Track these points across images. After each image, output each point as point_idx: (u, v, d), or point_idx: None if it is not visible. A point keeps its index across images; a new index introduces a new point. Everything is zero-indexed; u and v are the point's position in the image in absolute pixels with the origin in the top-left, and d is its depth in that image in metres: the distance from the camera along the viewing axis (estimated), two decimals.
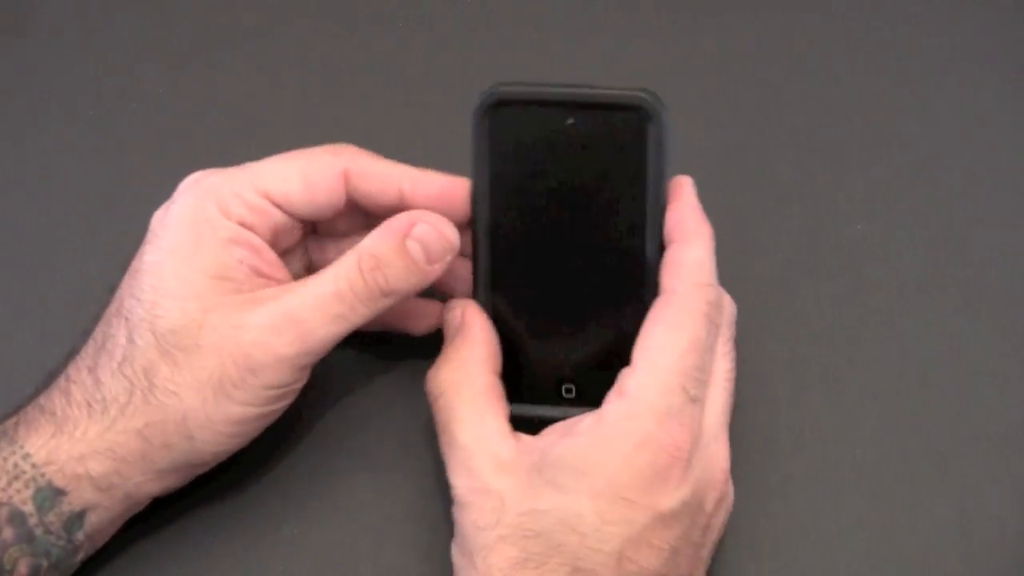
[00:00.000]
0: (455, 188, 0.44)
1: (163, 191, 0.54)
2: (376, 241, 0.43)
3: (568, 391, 0.45)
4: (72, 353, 0.44)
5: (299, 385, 0.43)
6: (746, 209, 0.53)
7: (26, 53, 0.58)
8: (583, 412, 0.43)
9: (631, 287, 0.44)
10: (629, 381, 0.41)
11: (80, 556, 0.43)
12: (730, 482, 0.44)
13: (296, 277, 0.45)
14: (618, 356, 0.43)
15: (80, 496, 0.42)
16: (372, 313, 0.43)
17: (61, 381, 0.43)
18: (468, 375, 0.43)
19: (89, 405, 0.42)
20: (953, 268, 0.52)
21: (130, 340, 0.42)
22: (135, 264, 0.43)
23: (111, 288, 0.44)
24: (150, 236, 0.44)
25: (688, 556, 0.41)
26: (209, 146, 0.56)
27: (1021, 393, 0.49)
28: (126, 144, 0.56)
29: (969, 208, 0.54)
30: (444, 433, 0.43)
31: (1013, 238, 0.53)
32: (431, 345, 0.50)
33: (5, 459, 0.41)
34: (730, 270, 0.50)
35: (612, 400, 0.41)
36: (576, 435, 0.41)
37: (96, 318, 0.44)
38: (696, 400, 0.41)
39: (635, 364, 0.42)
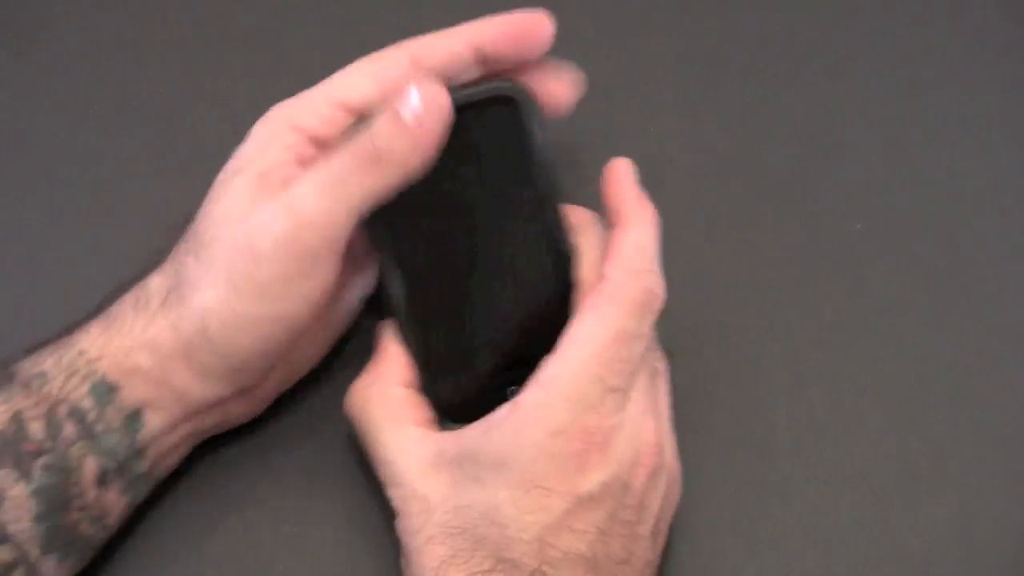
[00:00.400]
0: (519, 21, 0.44)
1: (163, 191, 0.54)
2: (369, 121, 0.42)
3: (513, 392, 0.44)
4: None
5: (312, 283, 0.42)
6: (746, 209, 0.53)
7: (26, 54, 0.58)
8: None
9: (546, 277, 0.45)
10: (547, 370, 0.41)
11: (145, 464, 0.43)
12: (667, 456, 0.43)
13: None
14: (550, 343, 0.42)
15: (133, 392, 0.42)
16: (366, 189, 0.42)
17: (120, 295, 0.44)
18: (378, 390, 0.44)
19: (136, 303, 0.43)
20: (953, 268, 0.52)
21: (178, 244, 0.44)
22: None
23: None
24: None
25: (622, 536, 0.41)
26: (209, 146, 0.55)
27: (1021, 393, 0.49)
28: (126, 144, 0.55)
29: (969, 208, 0.54)
30: (368, 451, 0.44)
31: (1013, 238, 0.53)
32: None
33: (61, 358, 0.42)
34: (730, 270, 0.51)
35: (530, 389, 0.41)
36: (493, 426, 0.41)
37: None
38: (617, 389, 0.41)
39: (556, 353, 0.41)
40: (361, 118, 0.44)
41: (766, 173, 0.54)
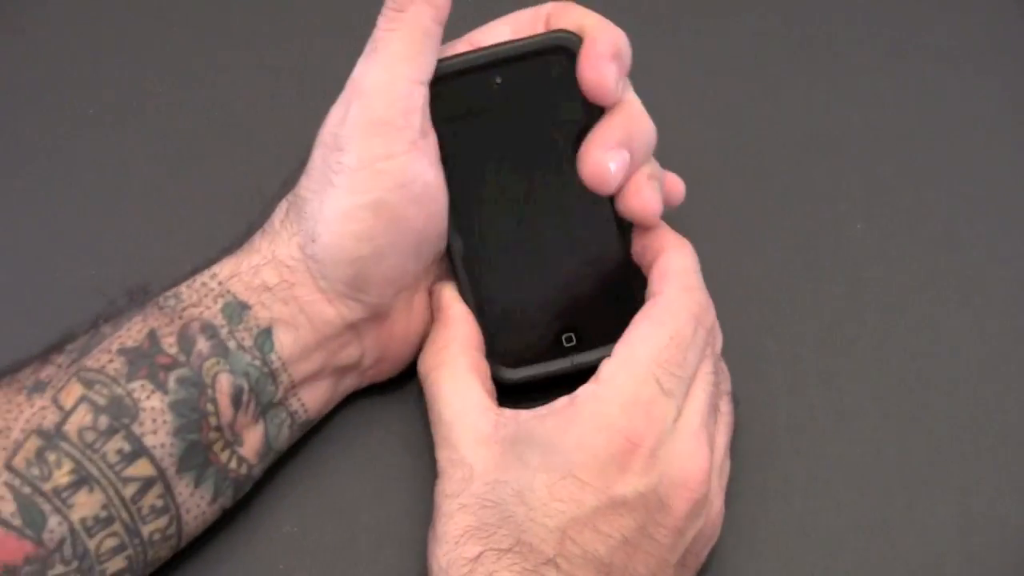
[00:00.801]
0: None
1: (163, 191, 0.54)
2: None
3: (568, 340, 0.46)
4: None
5: (397, 162, 0.43)
6: (746, 209, 0.53)
7: (26, 53, 0.58)
8: (589, 357, 0.45)
9: (602, 222, 0.45)
10: (605, 368, 0.42)
11: (279, 391, 0.43)
12: (712, 491, 0.43)
13: None
14: (605, 292, 0.45)
15: (263, 309, 0.43)
16: (410, 41, 0.43)
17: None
18: (450, 355, 0.45)
19: (263, 230, 0.45)
20: (953, 268, 0.52)
21: (304, 164, 0.45)
22: None
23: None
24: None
25: (647, 554, 0.41)
26: (209, 146, 0.55)
27: (1021, 393, 0.49)
28: (126, 144, 0.55)
29: (969, 208, 0.54)
30: (431, 411, 0.45)
31: (1013, 238, 0.53)
32: None
33: (194, 281, 0.44)
34: (730, 270, 0.51)
35: (588, 384, 0.42)
36: (548, 413, 0.42)
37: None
38: (670, 394, 0.42)
39: (615, 353, 0.42)
40: None
41: (766, 173, 0.54)
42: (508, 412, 0.43)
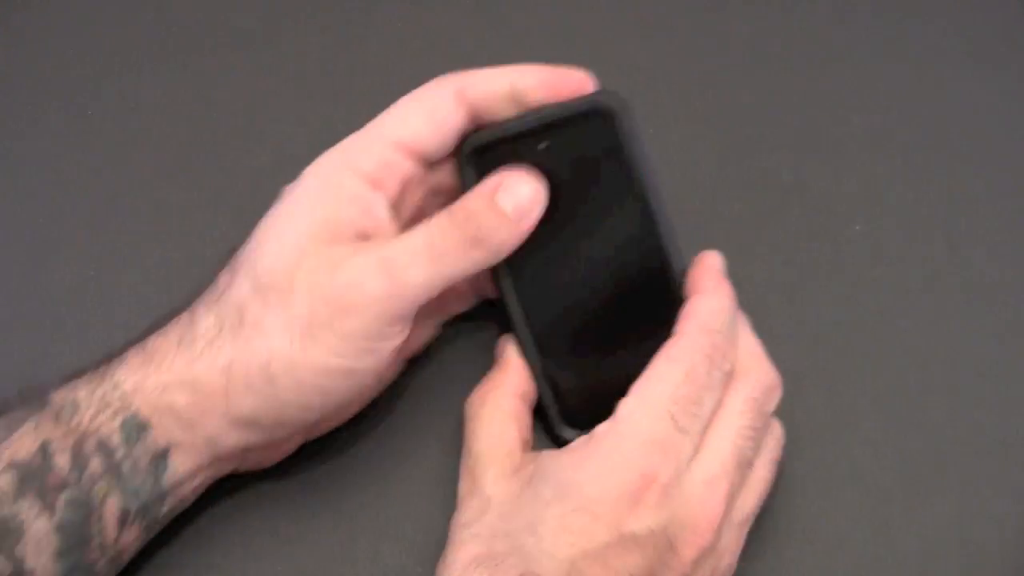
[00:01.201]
0: (559, 76, 0.44)
1: (163, 191, 0.54)
2: (467, 198, 0.43)
3: None
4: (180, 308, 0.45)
5: (387, 345, 0.43)
6: (746, 209, 0.53)
7: (26, 53, 0.58)
8: None
9: (658, 286, 0.45)
10: (622, 407, 0.42)
11: (166, 508, 0.43)
12: (722, 544, 0.42)
13: None
14: (663, 345, 0.44)
15: (164, 431, 0.41)
16: (463, 266, 0.43)
17: (164, 325, 0.44)
18: (494, 397, 0.45)
19: (180, 340, 0.42)
20: (953, 268, 0.52)
21: (229, 284, 0.43)
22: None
23: (231, 248, 0.45)
24: (277, 199, 0.44)
25: None
26: (209, 147, 0.56)
27: (1021, 393, 0.49)
28: (126, 144, 0.55)
29: (969, 208, 0.54)
30: (465, 444, 0.45)
31: (1013, 238, 0.53)
32: (431, 345, 0.50)
33: (95, 389, 0.42)
34: (730, 270, 0.50)
35: (605, 422, 0.42)
36: (566, 451, 0.42)
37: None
38: (685, 432, 0.41)
39: (632, 391, 0.42)
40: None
41: (766, 174, 0.54)
42: (531, 454, 0.44)
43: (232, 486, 0.47)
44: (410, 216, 0.46)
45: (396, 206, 0.44)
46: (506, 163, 0.44)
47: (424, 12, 0.59)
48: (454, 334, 0.50)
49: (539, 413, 0.47)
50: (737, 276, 0.51)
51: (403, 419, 0.49)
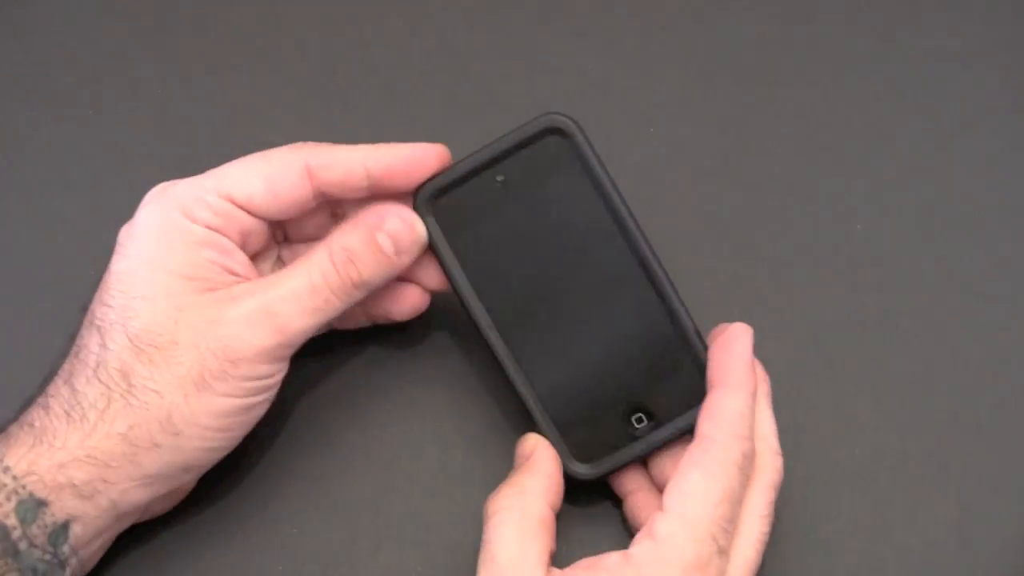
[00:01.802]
0: (416, 155, 0.44)
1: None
2: (347, 235, 0.43)
3: (639, 420, 0.45)
4: (51, 373, 0.43)
5: (279, 376, 0.43)
6: (746, 209, 0.53)
7: (26, 53, 0.58)
8: (664, 434, 0.44)
9: (641, 291, 0.45)
10: (661, 525, 0.41)
11: (68, 571, 0.42)
12: None
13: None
14: (664, 362, 0.44)
15: (63, 506, 0.41)
16: (345, 305, 0.43)
17: (40, 397, 0.42)
18: (524, 502, 0.43)
19: (68, 414, 0.41)
20: (953, 268, 0.52)
21: (102, 346, 0.42)
22: (104, 277, 0.43)
23: (83, 307, 0.44)
24: (117, 248, 0.43)
25: None
26: (209, 146, 0.55)
27: (1021, 393, 0.49)
28: (126, 144, 0.55)
29: (969, 208, 0.54)
30: (485, 549, 0.42)
31: (1013, 238, 0.53)
32: (430, 345, 0.50)
33: None
34: (730, 270, 0.51)
35: (642, 541, 0.41)
36: (601, 571, 0.41)
37: (72, 337, 0.44)
38: (723, 552, 0.41)
39: (668, 508, 0.41)
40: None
41: (766, 173, 0.54)
42: (557, 572, 0.42)
43: (232, 486, 0.47)
44: (255, 253, 0.45)
45: (242, 248, 0.44)
46: (466, 203, 0.44)
47: (424, 12, 0.59)
48: (455, 334, 0.50)
49: None
50: (737, 276, 0.52)
51: (403, 419, 0.49)
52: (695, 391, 0.44)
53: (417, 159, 0.44)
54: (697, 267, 0.52)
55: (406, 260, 0.44)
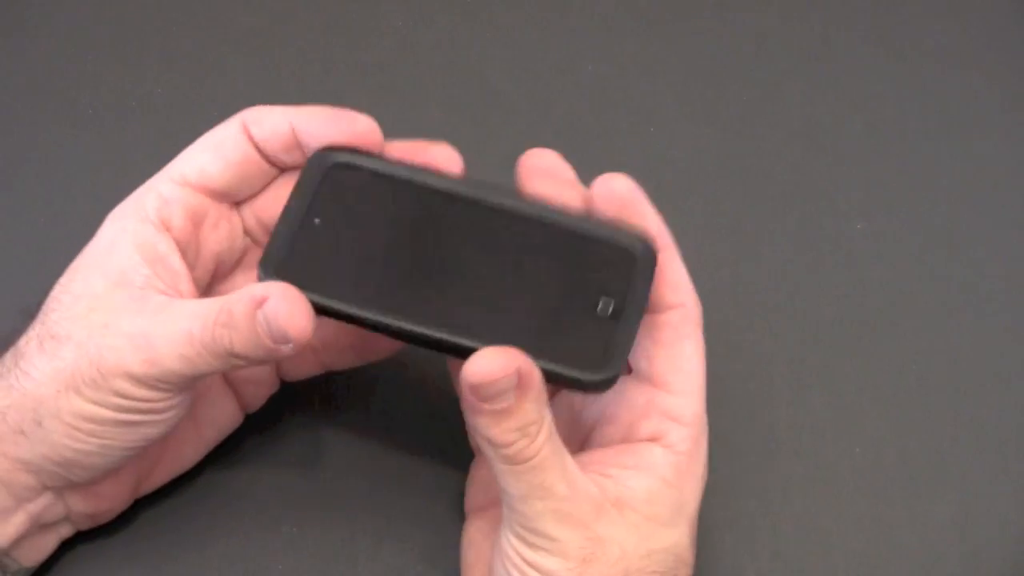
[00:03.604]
0: (339, 114, 0.43)
1: None
2: (236, 298, 0.40)
3: (607, 304, 0.42)
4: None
5: (164, 404, 0.41)
6: (746, 209, 0.53)
7: (26, 53, 0.58)
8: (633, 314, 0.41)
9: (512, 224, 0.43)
10: (684, 408, 0.42)
11: None
12: None
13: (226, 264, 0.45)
14: (587, 261, 0.42)
15: None
16: (221, 368, 0.41)
17: None
18: (550, 426, 0.40)
19: None
20: (953, 268, 0.52)
21: (26, 334, 0.42)
22: None
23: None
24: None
25: None
26: None
27: (1021, 393, 0.49)
28: (126, 144, 0.55)
29: (969, 208, 0.54)
30: (537, 487, 0.39)
31: (1013, 238, 0.53)
32: None
33: None
34: (730, 270, 0.51)
35: (672, 429, 0.42)
36: (656, 467, 0.41)
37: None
38: None
39: (678, 388, 0.42)
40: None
41: (766, 173, 0.55)
42: (592, 467, 0.41)
43: (232, 486, 0.47)
44: (221, 250, 0.44)
45: (190, 243, 0.43)
46: (312, 252, 0.42)
47: (424, 12, 0.59)
48: None
49: None
50: (737, 275, 0.52)
51: (403, 418, 0.49)
52: (624, 261, 0.42)
53: (340, 117, 0.43)
54: (697, 267, 0.52)
55: (284, 350, 0.40)
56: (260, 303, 0.39)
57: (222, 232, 0.44)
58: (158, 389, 0.41)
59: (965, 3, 0.59)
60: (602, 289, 0.42)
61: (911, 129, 0.56)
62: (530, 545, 0.39)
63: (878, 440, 0.48)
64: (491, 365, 0.38)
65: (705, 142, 0.55)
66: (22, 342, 0.42)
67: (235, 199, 0.44)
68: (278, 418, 0.48)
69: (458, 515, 0.46)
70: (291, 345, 0.39)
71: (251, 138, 0.43)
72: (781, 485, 0.47)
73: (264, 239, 0.45)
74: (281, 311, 0.39)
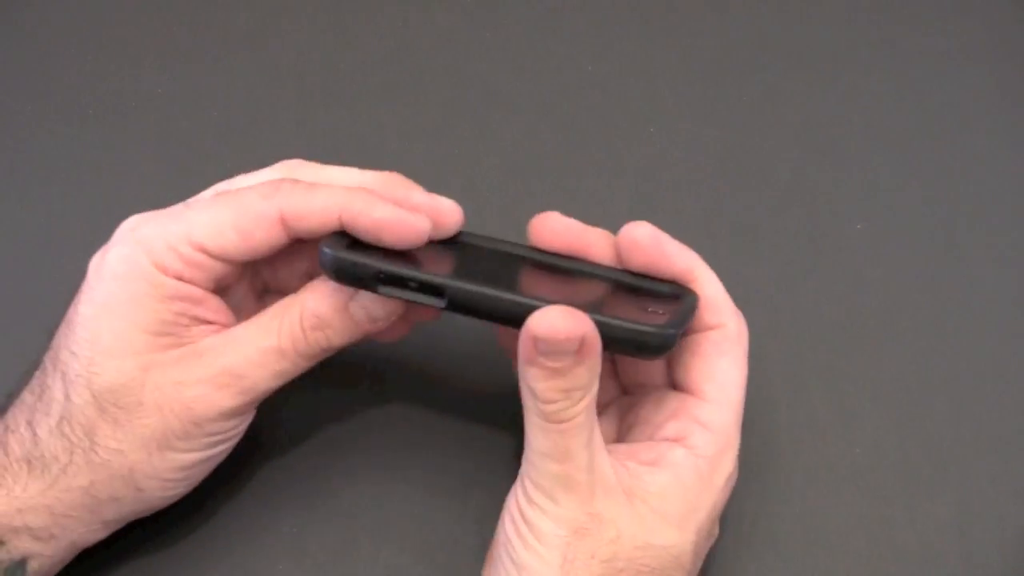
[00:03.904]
0: (391, 217, 0.41)
1: (162, 190, 0.54)
2: (319, 300, 0.41)
3: (655, 312, 0.42)
4: (12, 396, 0.43)
5: (243, 426, 0.43)
6: (746, 209, 0.53)
7: (26, 53, 0.58)
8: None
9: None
10: (712, 416, 0.42)
11: None
12: None
13: (246, 301, 0.45)
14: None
15: (19, 546, 0.41)
16: (313, 364, 0.43)
17: (0, 429, 0.42)
18: (592, 398, 0.40)
19: (29, 462, 0.41)
20: (953, 268, 0.52)
21: (67, 397, 0.41)
22: (70, 314, 0.42)
23: (49, 332, 0.43)
24: (85, 286, 0.43)
25: None
26: (208, 146, 0.56)
27: (1021, 393, 0.49)
28: (126, 144, 0.55)
29: (969, 208, 0.54)
30: (559, 449, 0.40)
31: (1013, 238, 0.53)
32: (431, 346, 0.50)
33: None
34: (730, 270, 0.50)
35: (698, 433, 0.42)
36: (675, 466, 0.41)
37: (35, 363, 0.43)
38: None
39: (711, 397, 0.43)
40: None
41: (766, 173, 0.55)
42: (611, 456, 0.41)
43: (232, 487, 0.47)
44: (231, 284, 0.44)
45: (216, 290, 0.43)
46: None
47: (424, 12, 0.59)
48: (454, 333, 0.50)
49: None
50: (738, 275, 0.52)
51: (403, 418, 0.49)
52: (668, 296, 0.43)
53: (389, 224, 0.41)
54: None
55: (381, 326, 0.43)
56: (350, 295, 0.41)
57: (237, 283, 0.44)
58: (244, 414, 0.43)
59: (965, 3, 0.59)
60: (653, 302, 0.43)
61: (911, 129, 0.56)
62: (531, 502, 0.40)
63: (878, 440, 0.48)
64: (561, 323, 0.38)
65: (705, 142, 0.55)
66: (77, 415, 0.41)
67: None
68: (278, 418, 0.48)
69: (458, 516, 0.47)
70: (387, 320, 0.42)
71: (287, 231, 0.42)
72: (781, 485, 0.47)
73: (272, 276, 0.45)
74: (375, 301, 0.41)
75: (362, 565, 0.46)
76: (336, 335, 0.42)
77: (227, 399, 0.41)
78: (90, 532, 0.42)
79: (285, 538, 0.47)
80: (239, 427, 0.43)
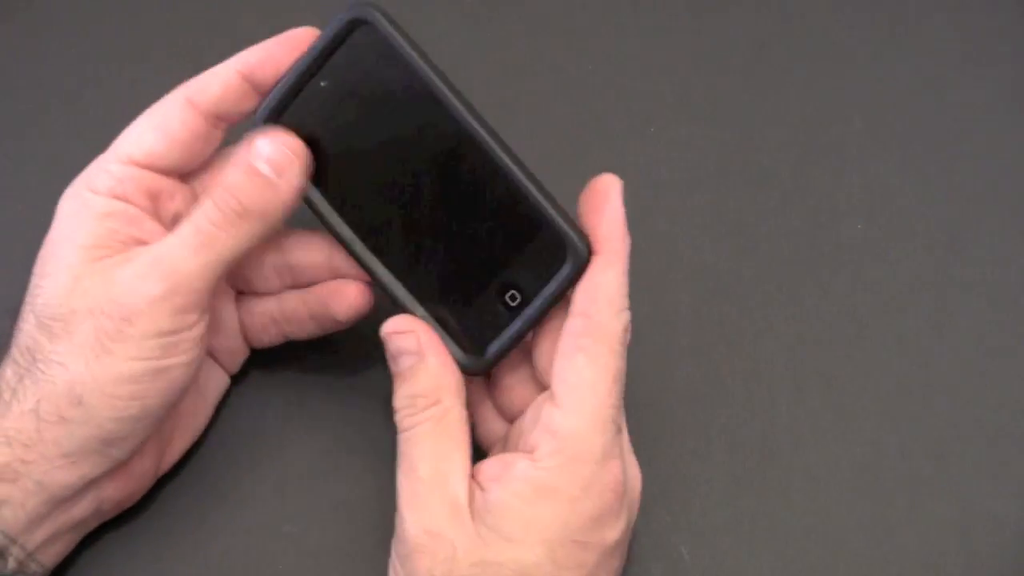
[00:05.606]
0: (283, 40, 0.44)
1: None
2: (224, 174, 0.42)
3: (513, 297, 0.43)
4: None
5: (189, 334, 0.42)
6: (746, 209, 0.53)
7: (26, 52, 0.58)
8: (539, 305, 0.42)
9: (484, 169, 0.43)
10: (560, 422, 0.40)
11: (11, 562, 0.41)
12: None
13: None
14: (525, 233, 0.42)
15: None
16: (236, 243, 0.42)
17: None
18: (439, 410, 0.42)
19: None
20: (953, 268, 0.52)
21: (18, 328, 0.42)
22: None
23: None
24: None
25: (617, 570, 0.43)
26: None
27: (1021, 393, 0.49)
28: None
29: (969, 208, 0.54)
30: (405, 460, 0.42)
31: (1013, 238, 0.53)
32: None
33: None
34: (730, 270, 0.51)
35: (545, 441, 0.40)
36: (514, 480, 0.40)
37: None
38: (620, 429, 0.41)
39: (561, 401, 0.40)
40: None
41: (766, 173, 0.54)
42: (474, 481, 0.41)
43: (232, 486, 0.47)
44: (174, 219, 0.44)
45: (157, 216, 0.44)
46: (304, 116, 0.43)
47: (424, 12, 0.59)
48: None
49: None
50: (737, 275, 0.52)
51: None
52: (557, 255, 0.42)
53: (286, 43, 0.44)
54: (697, 267, 0.52)
55: (290, 183, 0.42)
56: (248, 156, 0.42)
57: (178, 202, 0.44)
58: (180, 311, 0.41)
59: (965, 3, 0.59)
60: (521, 276, 0.43)
61: (910, 129, 0.56)
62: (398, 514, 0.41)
63: (878, 440, 0.48)
64: (400, 326, 0.43)
65: (705, 142, 0.55)
66: (23, 340, 0.42)
67: (182, 173, 0.45)
68: (278, 418, 0.48)
69: None
70: (295, 174, 0.42)
71: (197, 109, 0.43)
72: (781, 485, 0.47)
73: None
74: (273, 147, 0.42)
75: (362, 565, 0.46)
76: (245, 193, 0.42)
77: (150, 285, 0.41)
78: (54, 468, 0.41)
79: (285, 538, 0.47)
80: (181, 333, 0.42)
